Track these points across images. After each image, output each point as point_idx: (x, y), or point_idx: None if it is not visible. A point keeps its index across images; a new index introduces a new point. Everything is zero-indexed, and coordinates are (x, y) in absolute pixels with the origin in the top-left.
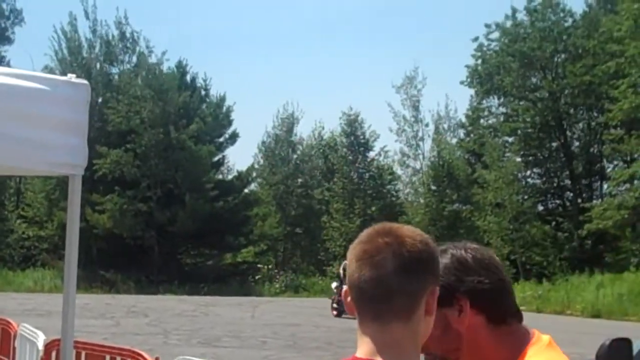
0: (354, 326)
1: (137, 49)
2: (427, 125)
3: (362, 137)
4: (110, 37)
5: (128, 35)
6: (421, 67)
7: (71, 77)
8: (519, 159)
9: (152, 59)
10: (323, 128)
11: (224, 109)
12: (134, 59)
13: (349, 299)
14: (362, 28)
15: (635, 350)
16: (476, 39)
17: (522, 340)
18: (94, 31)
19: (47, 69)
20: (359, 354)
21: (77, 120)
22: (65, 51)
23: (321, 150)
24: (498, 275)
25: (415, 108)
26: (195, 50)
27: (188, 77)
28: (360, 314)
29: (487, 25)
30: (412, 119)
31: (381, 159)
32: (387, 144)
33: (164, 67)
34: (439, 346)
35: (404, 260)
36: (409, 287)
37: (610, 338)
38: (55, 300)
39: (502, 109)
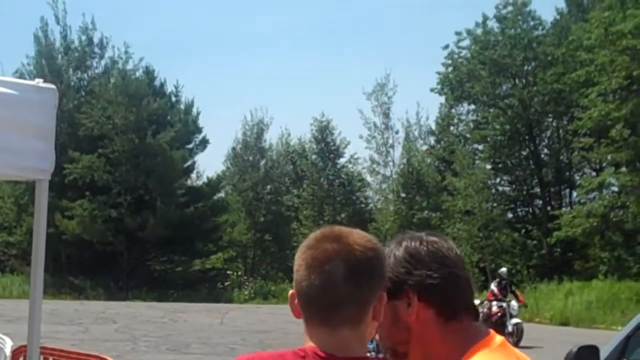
0: None
1: (107, 54)
2: (397, 132)
3: (332, 143)
4: (78, 43)
5: (96, 40)
6: (392, 74)
7: (38, 81)
8: (488, 167)
9: (129, 65)
10: (289, 135)
11: (193, 115)
12: (103, 64)
13: (295, 302)
14: (333, 34)
15: (602, 358)
16: (447, 46)
17: (472, 338)
18: (64, 36)
19: (18, 74)
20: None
21: (44, 124)
22: (37, 56)
23: (290, 157)
24: (452, 269)
25: (386, 115)
26: (163, 56)
27: (157, 83)
28: (307, 319)
29: (458, 33)
30: (383, 126)
31: (351, 166)
32: (357, 151)
33: (136, 73)
34: (388, 337)
35: (353, 268)
36: (359, 295)
37: (578, 345)
38: (23, 306)
39: (473, 117)
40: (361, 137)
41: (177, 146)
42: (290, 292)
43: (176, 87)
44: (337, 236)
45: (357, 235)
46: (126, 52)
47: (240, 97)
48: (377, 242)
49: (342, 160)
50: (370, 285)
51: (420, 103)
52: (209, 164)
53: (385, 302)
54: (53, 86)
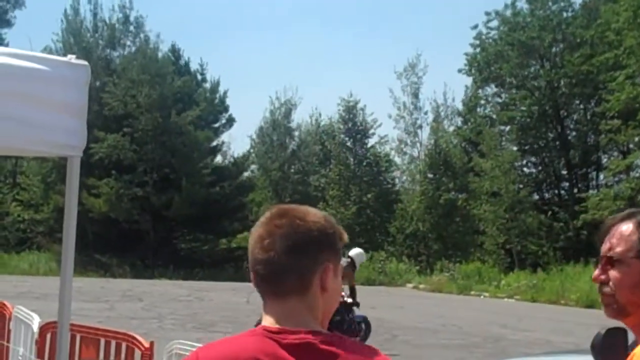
0: None
1: (141, 33)
2: (426, 113)
3: (360, 124)
4: (114, 21)
5: (132, 19)
6: (423, 55)
7: (71, 57)
8: (515, 148)
9: (150, 44)
10: (320, 115)
11: (220, 93)
12: (137, 42)
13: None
14: (363, 13)
15: (630, 340)
16: (475, 26)
17: None
18: (94, 14)
19: (47, 51)
20: (264, 323)
21: (76, 101)
22: (67, 34)
23: (318, 137)
24: None
25: (415, 95)
26: (191, 33)
27: (182, 62)
28: (261, 293)
29: (487, 13)
30: (412, 106)
31: (379, 146)
32: (385, 131)
33: (161, 52)
34: (627, 296)
35: (292, 241)
36: (299, 265)
37: (605, 327)
38: (50, 283)
39: (500, 98)
40: (390, 116)
41: (203, 125)
42: None
43: (201, 66)
44: (282, 213)
45: (303, 211)
46: (145, 31)
47: (269, 76)
48: (326, 217)
49: (370, 141)
50: (311, 256)
51: (448, 84)
52: (237, 143)
53: (332, 272)
54: (85, 62)
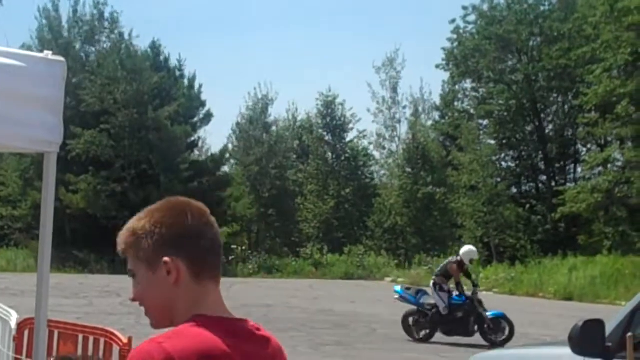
0: (327, 307)
1: (117, 29)
2: (404, 107)
3: (339, 119)
4: (89, 17)
5: (107, 15)
6: (402, 49)
7: (47, 54)
8: (492, 142)
9: (128, 39)
10: (297, 109)
11: (196, 89)
12: (112, 39)
13: None
14: (341, 9)
15: (607, 332)
16: (453, 21)
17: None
18: (74, 11)
19: (25, 48)
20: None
21: (53, 97)
22: (44, 31)
23: (296, 132)
24: None
25: (394, 90)
26: (168, 30)
27: (162, 58)
28: (203, 279)
29: (465, 8)
30: (391, 101)
31: (357, 140)
32: (364, 126)
33: (139, 48)
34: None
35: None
36: None
37: (583, 320)
38: (28, 279)
39: (477, 93)
40: (369, 110)
41: (180, 120)
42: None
43: (179, 62)
44: (203, 209)
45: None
46: (122, 26)
47: (248, 72)
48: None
49: (349, 136)
50: None
51: (425, 79)
52: (214, 139)
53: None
54: (62, 58)
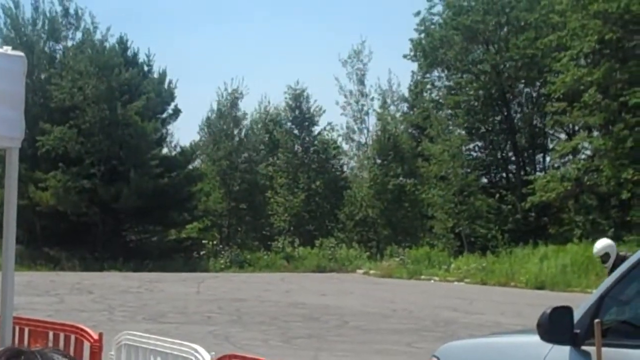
0: (299, 300)
1: (82, 25)
2: (372, 99)
3: (307, 111)
4: (54, 14)
5: (72, 11)
6: (367, 42)
7: (7, 49)
8: (462, 132)
9: (97, 35)
10: (269, 102)
11: (166, 84)
12: (78, 35)
13: None
14: (308, 1)
15: (576, 318)
16: (418, 13)
17: None
18: (36, 8)
19: None
20: None
21: (13, 92)
22: (7, 28)
23: (265, 126)
24: None
25: (361, 82)
26: (136, 24)
27: (129, 53)
28: None
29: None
30: (358, 93)
31: (326, 133)
32: (333, 119)
33: (108, 43)
34: None
35: None
36: None
37: (551, 307)
38: None
39: (446, 82)
40: (337, 103)
41: (150, 116)
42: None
43: (148, 57)
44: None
45: None
46: (92, 22)
47: (216, 67)
48: None
49: (317, 128)
50: None
51: (393, 70)
52: (184, 135)
53: None
54: (21, 53)
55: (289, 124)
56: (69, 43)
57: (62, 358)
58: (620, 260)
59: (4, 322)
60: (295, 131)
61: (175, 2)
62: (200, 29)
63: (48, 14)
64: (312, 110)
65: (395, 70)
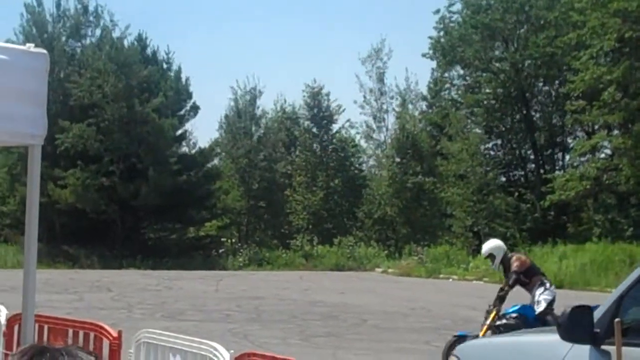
0: (317, 299)
1: (101, 22)
2: (391, 97)
3: (325, 110)
4: (74, 12)
5: (91, 9)
6: (387, 40)
7: (29, 46)
8: (479, 131)
9: (116, 33)
10: (285, 101)
11: (183, 81)
12: (98, 33)
13: None
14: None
15: (595, 318)
16: (437, 11)
17: None
18: (58, 5)
19: (9, 42)
20: None
21: (35, 90)
22: (29, 25)
23: (284, 124)
24: None
25: (381, 80)
26: (154, 22)
27: (149, 51)
28: None
29: None
30: (378, 92)
31: (345, 131)
32: (352, 117)
33: (126, 41)
34: None
35: None
36: None
37: (571, 306)
38: (18, 276)
39: (464, 81)
40: (355, 102)
41: (168, 113)
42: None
43: (167, 54)
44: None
45: None
46: (112, 20)
47: (235, 64)
48: None
49: (335, 127)
50: None
51: (411, 69)
52: (201, 132)
53: None
54: (44, 51)
55: (306, 122)
56: (88, 41)
57: (87, 355)
58: (508, 261)
59: (26, 320)
60: (314, 129)
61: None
62: (218, 26)
63: (70, 12)
64: (331, 108)
65: (414, 68)
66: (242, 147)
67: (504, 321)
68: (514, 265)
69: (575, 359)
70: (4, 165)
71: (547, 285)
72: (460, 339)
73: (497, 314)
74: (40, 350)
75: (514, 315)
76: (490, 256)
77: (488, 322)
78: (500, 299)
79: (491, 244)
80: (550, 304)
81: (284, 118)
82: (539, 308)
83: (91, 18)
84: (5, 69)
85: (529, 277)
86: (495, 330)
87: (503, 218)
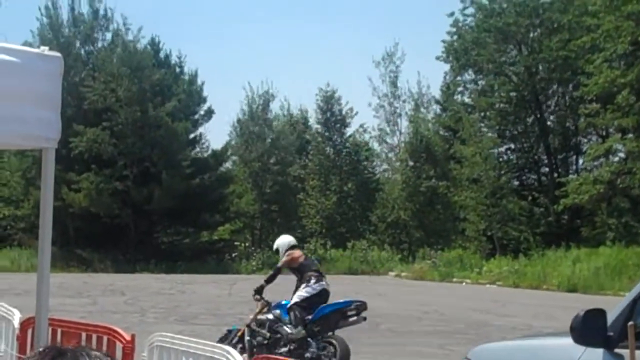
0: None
1: (111, 26)
2: (404, 101)
3: (338, 113)
4: (88, 15)
5: (102, 12)
6: (400, 43)
7: (44, 49)
8: (491, 134)
9: (129, 36)
10: (289, 105)
11: (197, 85)
12: (108, 36)
13: None
14: (340, 3)
15: (609, 321)
16: (452, 14)
17: None
18: (72, 9)
19: (26, 45)
20: None
21: (50, 93)
22: (44, 29)
23: (297, 128)
24: None
25: (394, 84)
26: (168, 26)
27: (162, 54)
28: None
29: (463, 0)
30: (391, 95)
31: (358, 135)
32: (366, 120)
33: (139, 45)
34: None
35: None
36: None
37: (585, 309)
38: (32, 279)
39: (478, 85)
40: (369, 104)
41: (181, 117)
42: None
43: (180, 58)
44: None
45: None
46: (124, 23)
47: (248, 68)
48: None
49: (349, 130)
50: None
51: (424, 72)
52: (216, 136)
53: None
54: (58, 54)
55: (318, 126)
56: (100, 44)
57: (104, 356)
58: (284, 256)
59: (40, 323)
60: (327, 133)
61: (205, 3)
62: (228, 30)
63: (82, 17)
64: (343, 112)
65: (427, 72)
66: (254, 150)
67: (265, 316)
68: (281, 261)
69: None
70: (18, 169)
71: (312, 282)
72: (230, 332)
73: (263, 307)
74: (61, 351)
75: (274, 311)
76: (277, 250)
77: (256, 311)
78: (257, 290)
79: (279, 240)
80: (306, 300)
81: (294, 122)
82: (291, 302)
83: (102, 22)
84: (19, 72)
85: (301, 273)
86: (252, 330)
87: (516, 222)
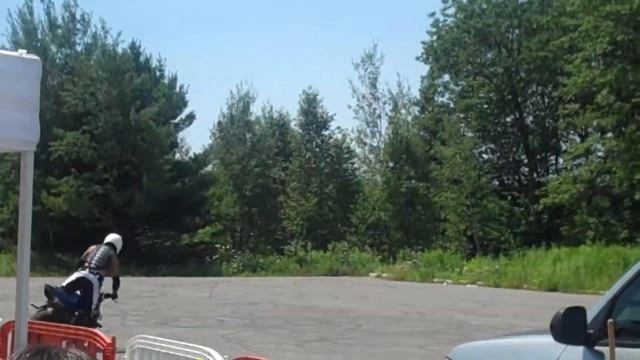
0: (312, 304)
1: (89, 30)
2: (384, 102)
3: (320, 116)
4: (62, 20)
5: (78, 17)
6: (380, 45)
7: (22, 53)
8: (472, 135)
9: (108, 40)
10: (272, 108)
11: (178, 89)
12: (87, 40)
13: None
14: (319, 5)
15: (589, 319)
16: (433, 14)
17: None
18: (48, 13)
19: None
20: None
21: (28, 96)
22: (21, 34)
23: (277, 130)
24: None
25: (374, 86)
26: (148, 30)
27: (142, 59)
28: None
29: (444, 1)
30: (371, 97)
31: (339, 137)
32: (345, 123)
33: (119, 49)
34: None
35: None
36: None
37: (565, 307)
38: (12, 284)
39: (458, 86)
40: (349, 107)
41: (163, 121)
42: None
43: (160, 62)
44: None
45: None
46: (103, 27)
47: (228, 72)
48: None
49: (328, 133)
50: None
51: (403, 74)
52: (196, 140)
53: None
54: (37, 57)
55: (298, 129)
56: (79, 49)
57: (87, 355)
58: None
59: (19, 327)
60: (308, 136)
61: (185, 7)
62: (210, 34)
63: (59, 20)
64: (325, 115)
65: (407, 73)
66: (235, 153)
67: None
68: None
69: None
70: None
71: (80, 269)
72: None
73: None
74: (39, 350)
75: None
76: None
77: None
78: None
79: (110, 238)
80: (70, 285)
81: (279, 124)
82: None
83: (79, 26)
84: None
85: (83, 264)
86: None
87: (497, 222)
